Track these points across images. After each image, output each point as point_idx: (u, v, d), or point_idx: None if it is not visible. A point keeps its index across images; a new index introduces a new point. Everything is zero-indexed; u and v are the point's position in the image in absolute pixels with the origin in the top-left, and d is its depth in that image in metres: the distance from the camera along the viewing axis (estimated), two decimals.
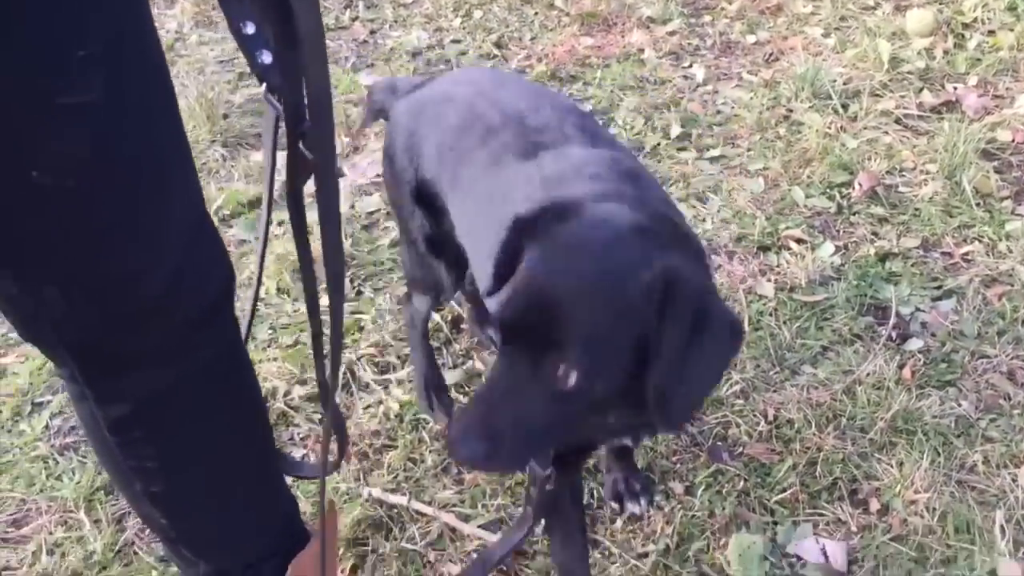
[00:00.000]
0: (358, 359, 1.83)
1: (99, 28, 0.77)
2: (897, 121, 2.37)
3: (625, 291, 0.95)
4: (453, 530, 1.51)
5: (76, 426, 1.72)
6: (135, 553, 1.50)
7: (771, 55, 2.69)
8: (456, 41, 2.87)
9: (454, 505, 1.55)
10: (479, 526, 1.51)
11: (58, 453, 1.66)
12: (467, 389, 1.75)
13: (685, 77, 2.62)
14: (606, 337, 0.96)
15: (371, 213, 2.21)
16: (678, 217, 1.22)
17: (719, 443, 1.62)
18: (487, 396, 0.97)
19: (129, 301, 0.86)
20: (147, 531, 1.53)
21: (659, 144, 2.35)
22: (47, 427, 1.71)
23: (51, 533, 1.53)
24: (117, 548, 1.51)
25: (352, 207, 2.23)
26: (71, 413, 1.75)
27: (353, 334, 1.89)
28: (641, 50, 2.73)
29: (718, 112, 2.47)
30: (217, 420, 1.00)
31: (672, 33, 2.82)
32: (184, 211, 0.90)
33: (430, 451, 1.64)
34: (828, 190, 2.15)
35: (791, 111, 2.43)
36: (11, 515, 1.56)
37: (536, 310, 0.96)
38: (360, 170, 2.37)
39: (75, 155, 0.78)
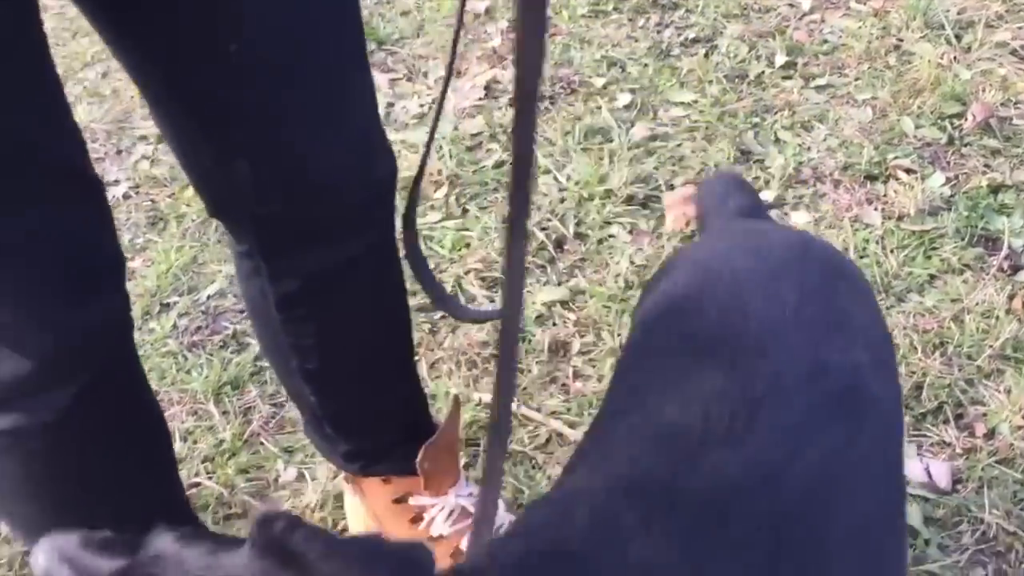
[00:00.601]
0: (465, 273, 1.89)
1: None
2: (1013, 52, 2.30)
3: None
4: (560, 435, 1.57)
5: (202, 326, 1.82)
6: (261, 443, 1.60)
7: None
8: None
9: (561, 413, 1.60)
10: (586, 433, 1.56)
11: (187, 350, 1.77)
12: (572, 306, 1.80)
13: (790, 5, 2.57)
14: None
15: (475, 135, 2.25)
16: None
17: None
18: None
19: (312, 177, 0.92)
20: (271, 423, 1.63)
21: (763, 72, 2.32)
22: (175, 326, 1.82)
23: (183, 422, 1.64)
24: (244, 438, 1.61)
25: (455, 128, 2.27)
26: (196, 313, 1.85)
27: (460, 250, 1.94)
28: None
29: (825, 41, 2.43)
30: (372, 304, 1.06)
31: None
32: (363, 94, 0.95)
33: (537, 362, 1.69)
34: (939, 121, 2.11)
35: (901, 41, 2.37)
36: None
37: None
38: (463, 93, 2.41)
39: (271, 31, 0.83)
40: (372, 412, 1.18)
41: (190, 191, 2.12)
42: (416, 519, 1.29)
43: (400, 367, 1.18)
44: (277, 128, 0.88)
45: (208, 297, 1.87)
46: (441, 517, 1.28)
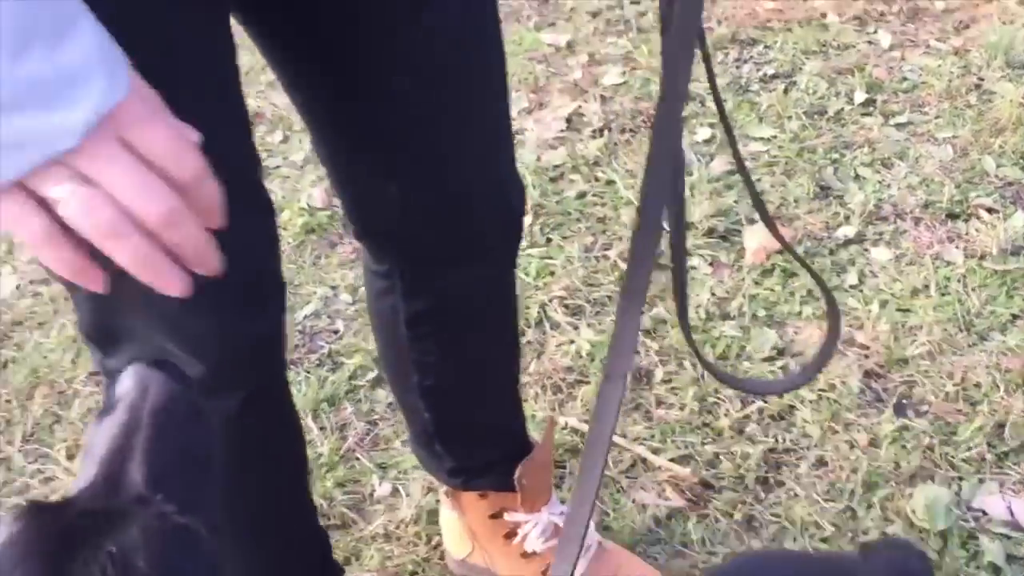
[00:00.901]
0: (549, 300, 1.95)
1: None
2: None
3: None
4: (644, 460, 1.62)
5: (299, 344, 1.91)
6: (356, 458, 1.68)
7: (962, 22, 2.64)
8: (635, 2, 2.93)
9: (645, 439, 1.65)
10: (670, 459, 1.61)
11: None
12: (655, 336, 1.85)
13: (870, 43, 2.61)
14: None
15: (557, 166, 2.32)
16: None
17: (904, 400, 1.67)
18: None
19: (457, 204, 0.99)
20: (366, 440, 1.71)
21: (843, 109, 2.36)
22: None
23: None
24: (341, 453, 1.69)
25: (538, 159, 2.35)
26: (293, 333, 1.94)
27: (544, 277, 2.01)
28: (824, 14, 2.72)
29: (904, 79, 2.46)
30: (492, 324, 1.13)
31: None
32: (504, 129, 1.02)
33: None
34: (1021, 160, 2.13)
35: (982, 80, 2.39)
36: None
37: None
38: (545, 124, 2.48)
39: (433, 68, 0.90)
40: (481, 429, 1.24)
41: (285, 215, 2.23)
42: (510, 535, 1.35)
43: (508, 386, 1.25)
44: (429, 157, 0.95)
45: (304, 317, 1.96)
46: (535, 533, 1.34)
